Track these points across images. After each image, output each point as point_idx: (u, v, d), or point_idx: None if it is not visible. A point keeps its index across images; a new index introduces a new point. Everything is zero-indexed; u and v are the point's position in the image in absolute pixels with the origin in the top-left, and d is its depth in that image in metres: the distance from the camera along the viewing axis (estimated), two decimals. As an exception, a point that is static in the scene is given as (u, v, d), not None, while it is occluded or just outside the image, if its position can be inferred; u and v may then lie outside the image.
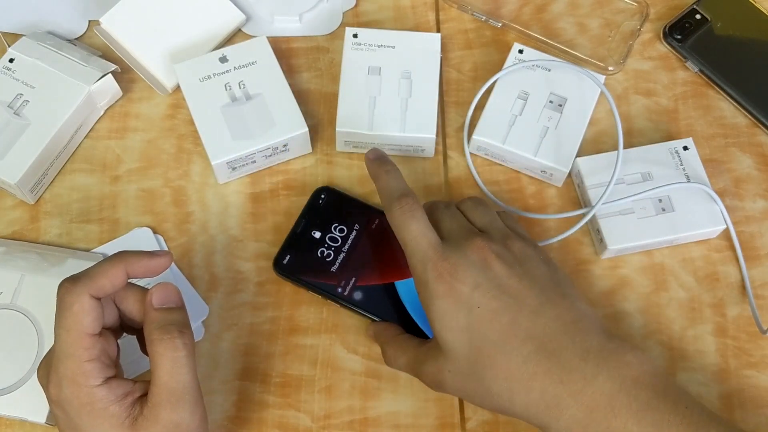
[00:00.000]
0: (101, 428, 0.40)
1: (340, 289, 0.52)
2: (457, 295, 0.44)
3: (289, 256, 0.53)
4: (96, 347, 0.41)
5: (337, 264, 0.53)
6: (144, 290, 0.44)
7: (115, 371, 0.42)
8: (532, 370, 0.42)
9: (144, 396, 0.42)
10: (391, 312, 0.51)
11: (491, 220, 0.49)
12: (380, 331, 0.51)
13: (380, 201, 0.49)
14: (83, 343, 0.40)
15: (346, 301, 0.52)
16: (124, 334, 0.46)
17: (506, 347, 0.43)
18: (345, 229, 0.54)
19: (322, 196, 0.55)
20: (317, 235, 0.54)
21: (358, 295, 0.52)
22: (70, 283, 0.41)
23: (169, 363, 0.41)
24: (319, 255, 0.53)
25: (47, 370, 0.42)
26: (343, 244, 0.53)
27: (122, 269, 0.42)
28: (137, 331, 0.45)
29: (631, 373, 0.42)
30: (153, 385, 0.41)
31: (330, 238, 0.53)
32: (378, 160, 0.51)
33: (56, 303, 0.41)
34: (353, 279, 0.52)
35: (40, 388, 0.43)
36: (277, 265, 0.53)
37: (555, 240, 0.54)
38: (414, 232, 0.46)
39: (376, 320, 0.52)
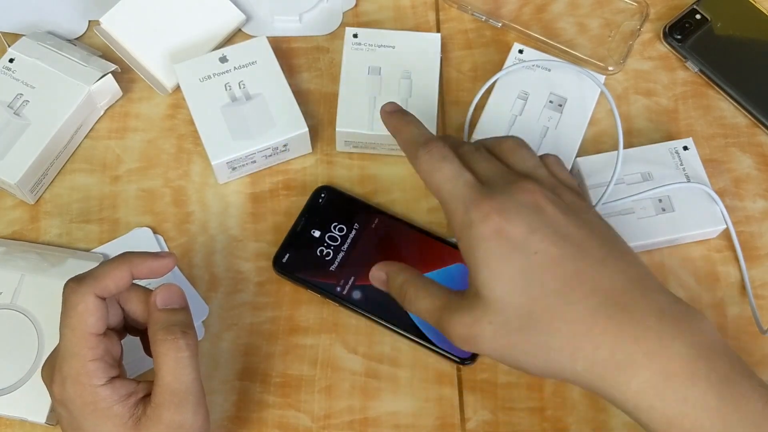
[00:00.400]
0: (104, 428, 0.40)
1: (338, 288, 0.52)
2: (509, 237, 0.39)
3: (288, 255, 0.53)
4: (100, 347, 0.41)
5: (336, 263, 0.53)
6: (148, 291, 0.44)
7: (119, 371, 0.42)
8: (603, 324, 0.38)
9: (147, 396, 0.42)
10: (391, 312, 0.51)
11: (536, 166, 0.44)
12: (396, 271, 0.45)
13: (404, 153, 0.46)
14: (87, 343, 0.41)
15: (345, 301, 0.52)
16: (128, 334, 0.46)
17: (571, 298, 0.39)
18: (345, 228, 0.54)
19: (322, 195, 0.55)
20: (317, 234, 0.54)
21: (356, 295, 0.52)
22: (75, 283, 0.41)
23: (173, 363, 0.41)
24: (319, 254, 0.53)
25: (51, 369, 0.42)
26: (343, 243, 0.53)
27: (127, 270, 0.42)
28: (141, 332, 0.45)
29: (707, 341, 0.38)
30: (156, 385, 0.41)
31: (329, 237, 0.53)
32: (397, 112, 0.47)
33: (61, 302, 0.42)
34: (352, 278, 0.52)
35: (40, 388, 0.43)
36: (277, 263, 0.53)
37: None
38: (447, 174, 0.42)
39: (374, 318, 0.51)
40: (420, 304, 0.43)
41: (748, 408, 0.37)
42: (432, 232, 0.54)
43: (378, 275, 0.46)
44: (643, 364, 0.38)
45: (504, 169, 0.43)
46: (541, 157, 0.46)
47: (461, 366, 0.51)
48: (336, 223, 0.54)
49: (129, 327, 0.45)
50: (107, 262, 0.43)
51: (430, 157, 0.43)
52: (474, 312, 0.40)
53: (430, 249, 0.53)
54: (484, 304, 0.40)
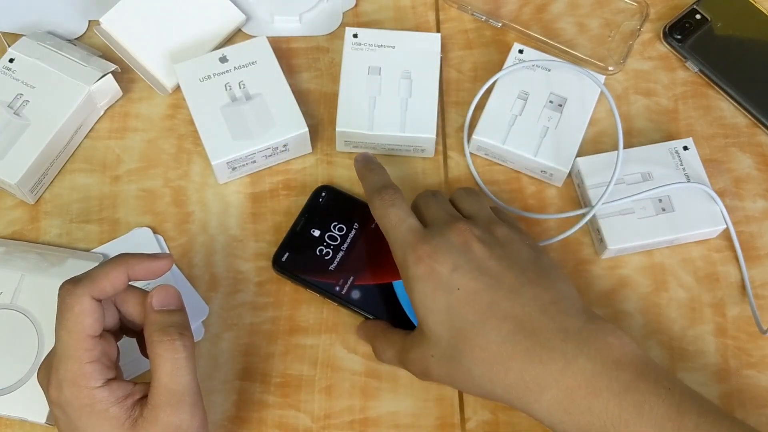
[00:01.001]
0: (101, 430, 0.40)
1: (338, 288, 0.52)
2: (436, 277, 0.44)
3: (288, 254, 0.53)
4: (97, 349, 0.41)
5: (336, 263, 0.53)
6: (144, 292, 0.44)
7: (116, 373, 0.42)
8: (511, 349, 0.42)
9: (144, 398, 0.41)
10: (389, 312, 0.51)
11: (479, 209, 0.49)
12: (369, 328, 0.51)
13: (366, 199, 0.50)
14: (84, 345, 0.40)
15: (344, 300, 0.52)
16: (124, 336, 0.46)
17: (485, 328, 0.43)
18: (344, 228, 0.54)
19: (323, 195, 0.55)
20: (317, 233, 0.54)
21: (355, 294, 0.52)
22: (71, 284, 0.41)
23: (169, 365, 0.41)
24: (318, 253, 0.53)
25: (48, 371, 0.42)
26: (342, 242, 0.53)
27: (123, 271, 0.42)
28: (137, 333, 0.45)
29: (612, 354, 0.42)
30: (153, 387, 0.41)
31: (329, 237, 0.53)
32: (364, 160, 0.53)
33: (57, 304, 0.41)
34: (351, 278, 0.52)
35: (41, 388, 0.43)
36: (276, 262, 0.53)
37: (555, 240, 0.54)
38: (393, 220, 0.47)
39: (372, 318, 0.52)
40: (386, 354, 0.48)
41: (651, 413, 0.40)
42: None
43: (360, 334, 0.52)
44: (549, 383, 0.41)
45: (451, 212, 0.49)
46: (492, 207, 0.51)
47: None
48: (336, 223, 0.54)
49: (125, 328, 0.45)
50: (103, 264, 0.43)
51: (382, 203, 0.48)
52: (421, 347, 0.45)
53: None
54: (425, 338, 0.45)
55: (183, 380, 0.41)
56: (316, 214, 0.54)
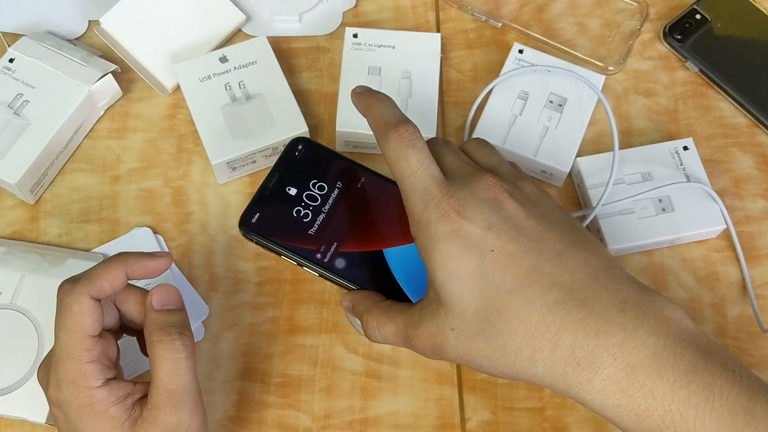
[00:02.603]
0: (101, 430, 0.40)
1: (319, 255, 0.45)
2: (466, 236, 0.38)
3: (258, 215, 0.46)
4: (96, 348, 0.41)
5: (316, 226, 0.46)
6: (144, 292, 0.44)
7: (115, 373, 0.42)
8: (560, 321, 0.37)
9: (144, 398, 0.41)
10: (378, 283, 0.45)
11: (499, 161, 0.44)
12: (359, 300, 0.44)
13: (373, 133, 0.43)
14: (83, 345, 0.40)
15: (326, 269, 0.45)
16: (124, 335, 0.46)
17: (527, 295, 0.37)
18: (325, 186, 0.47)
19: (299, 148, 0.48)
20: (293, 192, 0.47)
21: (340, 263, 0.45)
22: (69, 284, 0.41)
23: (169, 364, 0.41)
24: (295, 215, 0.46)
25: (47, 371, 0.42)
26: (323, 203, 0.46)
27: (122, 270, 0.42)
28: (137, 332, 0.45)
29: (674, 329, 0.37)
30: (153, 386, 0.41)
31: (308, 196, 0.47)
32: (367, 90, 0.45)
33: (56, 304, 0.41)
34: (335, 244, 0.45)
35: (40, 388, 0.43)
36: (244, 223, 0.46)
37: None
38: (414, 164, 0.40)
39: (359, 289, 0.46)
40: (384, 330, 0.42)
41: (722, 398, 0.35)
42: None
43: (346, 304, 0.45)
44: (605, 359, 0.36)
45: (469, 162, 0.43)
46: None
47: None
48: (315, 181, 0.47)
49: (126, 327, 0.45)
50: (102, 263, 0.42)
51: (401, 141, 0.41)
52: (436, 320, 0.39)
53: None
54: (444, 309, 0.39)
55: (183, 380, 0.41)
56: (291, 170, 0.47)
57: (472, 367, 0.39)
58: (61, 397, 0.40)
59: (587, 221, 0.53)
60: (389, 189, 0.46)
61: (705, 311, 0.53)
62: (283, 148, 0.49)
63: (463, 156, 0.43)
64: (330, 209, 0.46)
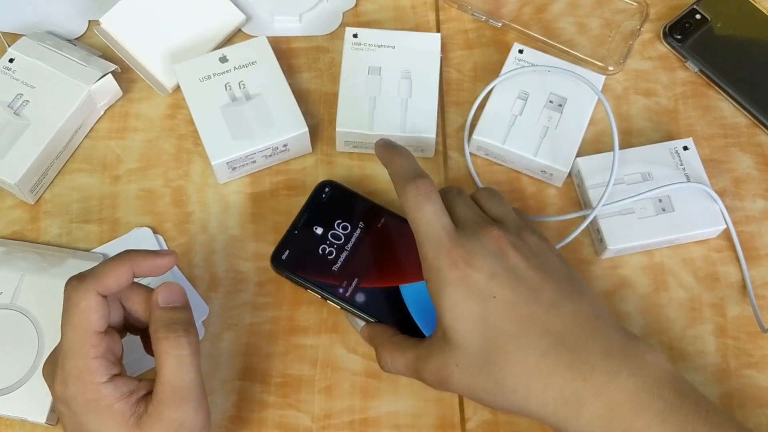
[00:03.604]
0: (106, 425, 0.40)
1: (341, 290, 0.50)
2: (471, 283, 0.42)
3: (288, 252, 0.51)
4: (102, 344, 0.41)
5: (339, 263, 0.51)
6: (149, 289, 0.44)
7: (120, 369, 0.42)
8: (552, 365, 0.41)
9: (148, 394, 0.42)
10: (395, 317, 0.49)
11: (506, 212, 0.47)
12: (375, 334, 0.49)
13: (393, 184, 0.47)
14: (90, 341, 0.41)
15: (347, 303, 0.50)
16: (128, 334, 0.46)
17: (523, 340, 0.42)
18: (349, 226, 0.52)
19: (326, 190, 0.53)
20: (319, 231, 0.52)
21: (360, 298, 0.50)
22: (77, 280, 0.42)
23: (174, 361, 0.41)
24: (321, 252, 0.51)
25: (53, 367, 0.42)
26: (347, 242, 0.51)
27: (128, 268, 0.42)
28: (141, 330, 0.45)
29: (653, 372, 0.41)
30: (157, 383, 0.41)
31: (333, 235, 0.51)
32: (389, 145, 0.49)
33: (63, 300, 0.42)
34: (356, 280, 0.50)
35: (40, 388, 0.43)
36: (276, 260, 0.51)
37: (561, 244, 0.53)
38: (428, 216, 0.44)
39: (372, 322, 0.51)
40: (396, 363, 0.46)
41: None
42: None
43: (364, 336, 0.50)
44: (590, 400, 0.40)
45: (479, 213, 0.47)
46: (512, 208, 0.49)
47: None
48: (340, 221, 0.52)
49: (129, 325, 0.45)
50: (108, 260, 0.43)
51: (417, 194, 0.45)
52: (443, 355, 0.43)
53: None
54: (450, 346, 0.43)
55: (187, 377, 0.41)
56: (319, 211, 0.52)
57: (474, 400, 0.44)
58: (67, 393, 0.41)
59: (587, 221, 0.53)
60: (406, 229, 0.48)
61: (705, 311, 0.53)
62: (282, 147, 0.49)
63: (473, 206, 0.47)
64: (352, 247, 0.51)
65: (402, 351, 0.46)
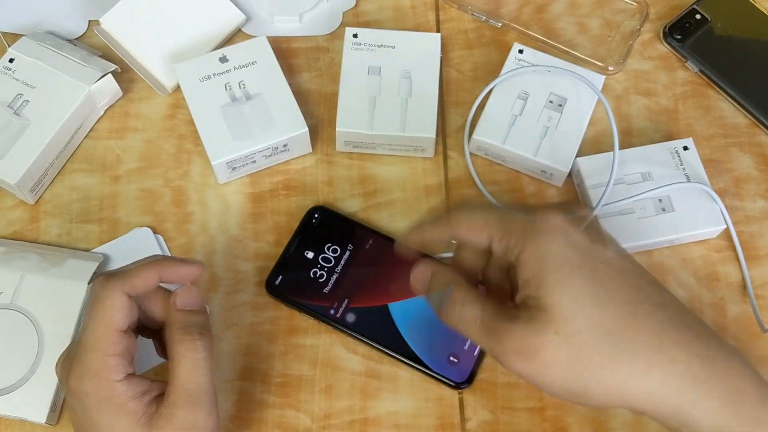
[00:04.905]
0: (118, 423, 0.41)
1: (332, 311, 0.51)
2: (576, 244, 0.39)
3: (281, 277, 0.53)
4: (121, 343, 0.42)
5: (330, 285, 0.52)
6: (168, 292, 0.45)
7: (134, 369, 0.43)
8: (675, 338, 0.37)
9: (160, 395, 0.42)
10: (385, 335, 0.51)
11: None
12: (445, 271, 0.43)
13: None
14: (111, 338, 0.41)
15: (339, 324, 0.51)
16: (139, 336, 0.46)
17: (640, 309, 0.38)
18: (338, 249, 0.53)
19: (316, 216, 0.55)
20: (310, 255, 0.53)
21: (350, 318, 0.51)
22: (104, 278, 0.42)
23: (189, 364, 0.41)
24: (312, 276, 0.52)
25: (69, 362, 0.42)
26: (336, 264, 0.53)
27: (156, 272, 0.43)
28: (154, 333, 0.46)
29: (749, 368, 0.39)
30: (171, 385, 0.42)
31: (323, 259, 0.53)
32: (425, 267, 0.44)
33: (89, 296, 0.42)
34: (346, 301, 0.52)
35: (40, 388, 0.43)
36: (270, 285, 0.53)
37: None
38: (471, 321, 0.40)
39: (368, 342, 0.51)
40: (467, 310, 0.40)
41: None
42: (428, 253, 0.50)
43: (421, 275, 0.44)
44: (717, 381, 0.37)
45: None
46: None
47: (459, 390, 0.51)
48: (330, 245, 0.53)
49: (142, 328, 0.45)
50: (138, 263, 0.43)
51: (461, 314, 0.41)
52: (534, 323, 0.38)
53: None
54: (548, 314, 0.38)
55: (201, 380, 0.42)
56: (309, 236, 0.54)
57: (562, 381, 0.38)
58: (82, 388, 0.41)
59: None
60: (393, 249, 0.47)
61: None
62: (282, 147, 0.50)
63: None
64: (342, 269, 0.53)
65: (479, 301, 0.40)
